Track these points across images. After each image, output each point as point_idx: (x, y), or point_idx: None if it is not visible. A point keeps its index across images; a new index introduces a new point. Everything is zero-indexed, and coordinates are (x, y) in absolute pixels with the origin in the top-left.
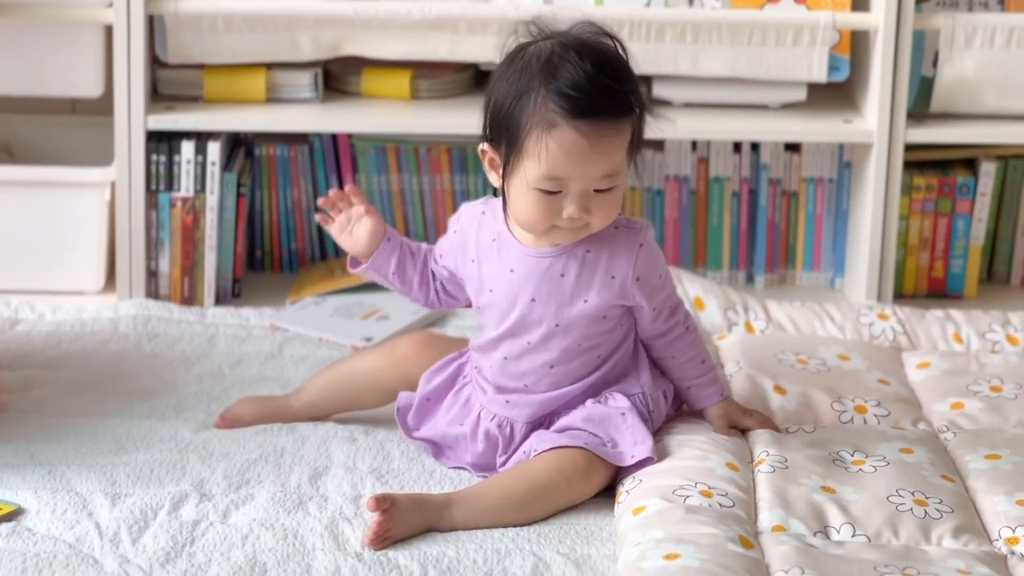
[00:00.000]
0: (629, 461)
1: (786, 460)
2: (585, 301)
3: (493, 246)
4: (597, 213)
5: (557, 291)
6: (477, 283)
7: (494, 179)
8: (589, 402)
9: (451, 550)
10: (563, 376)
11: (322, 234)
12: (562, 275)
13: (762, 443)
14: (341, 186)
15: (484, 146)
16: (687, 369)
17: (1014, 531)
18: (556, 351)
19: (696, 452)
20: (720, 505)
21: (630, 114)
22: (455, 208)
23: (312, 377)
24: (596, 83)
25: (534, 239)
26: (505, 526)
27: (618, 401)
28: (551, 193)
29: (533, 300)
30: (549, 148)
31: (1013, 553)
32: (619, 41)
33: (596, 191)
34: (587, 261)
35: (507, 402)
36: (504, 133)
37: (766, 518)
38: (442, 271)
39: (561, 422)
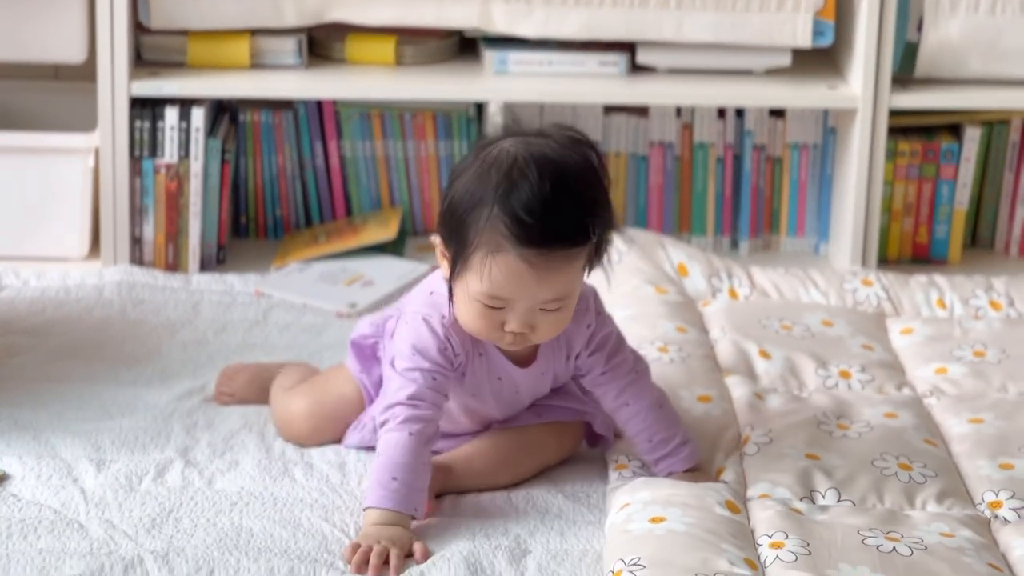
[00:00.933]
0: (603, 430)
1: (770, 431)
2: (556, 378)
3: (482, 359)
4: (541, 330)
5: (542, 383)
6: (460, 385)
7: (444, 270)
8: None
9: (435, 515)
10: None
11: (307, 200)
12: (543, 373)
13: (745, 417)
14: (326, 153)
15: (436, 239)
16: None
17: (997, 495)
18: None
19: None
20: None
21: (585, 243)
22: (440, 174)
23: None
24: (551, 209)
25: (516, 354)
26: (499, 484)
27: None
28: (494, 308)
29: (517, 392)
30: (492, 271)
31: (996, 517)
32: (595, 151)
33: (542, 310)
34: (556, 355)
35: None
36: (454, 239)
37: (753, 491)
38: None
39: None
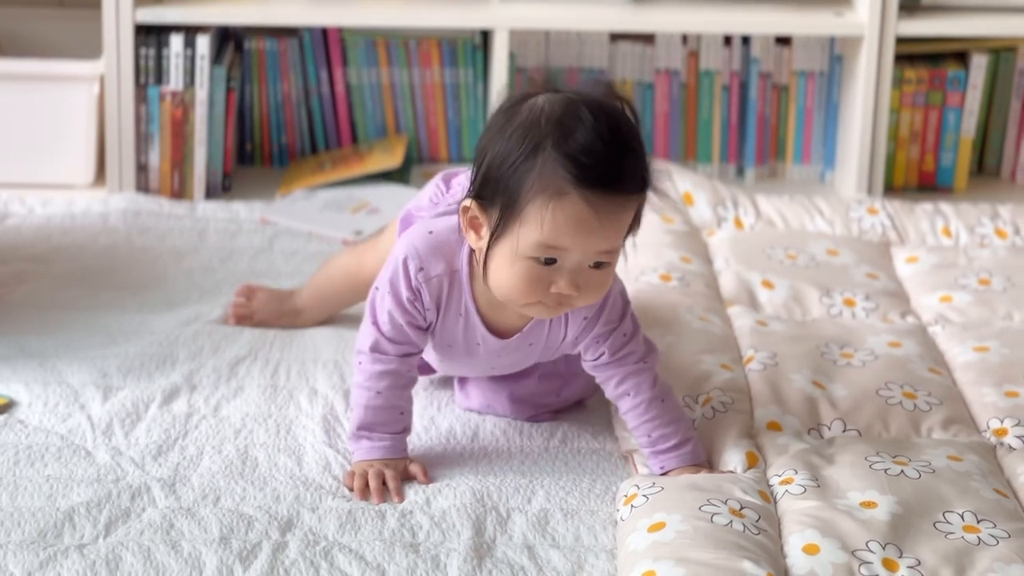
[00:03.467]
0: None
1: (775, 355)
2: (550, 351)
3: (459, 319)
4: (585, 291)
5: (525, 354)
6: (434, 335)
7: (472, 240)
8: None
9: (439, 434)
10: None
11: (312, 128)
12: (530, 344)
13: (747, 340)
14: (331, 81)
15: (469, 203)
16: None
17: (1002, 422)
18: (519, 367)
19: (687, 360)
20: (722, 403)
21: (642, 191)
22: (445, 101)
23: (309, 283)
24: (612, 151)
25: (500, 324)
26: None
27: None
28: (544, 264)
29: (499, 357)
30: (555, 216)
31: (1002, 444)
32: (630, 105)
33: (590, 267)
34: (551, 330)
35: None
36: (501, 194)
37: (762, 414)
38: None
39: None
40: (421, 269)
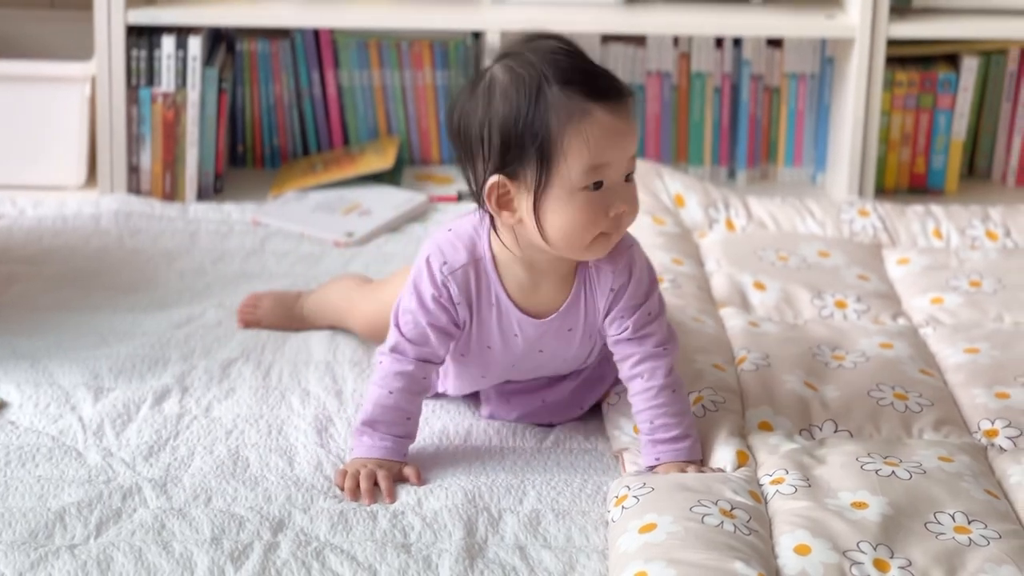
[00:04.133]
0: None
1: (767, 356)
2: (591, 337)
3: (492, 309)
4: (631, 204)
5: (566, 342)
6: (471, 336)
7: (507, 218)
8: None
9: (432, 434)
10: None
11: (304, 129)
12: (569, 329)
13: (740, 341)
14: (323, 82)
15: (496, 179)
16: (656, 400)
17: (993, 424)
18: (561, 366)
19: (680, 359)
20: (713, 403)
21: (632, 94)
22: (437, 103)
23: (314, 294)
24: (593, 67)
25: (533, 306)
26: None
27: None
28: (596, 189)
29: (541, 351)
30: (593, 134)
31: (992, 445)
32: (566, 40)
33: (625, 181)
34: (587, 309)
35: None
36: (531, 146)
37: (753, 415)
38: (437, 343)
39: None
40: (445, 263)
